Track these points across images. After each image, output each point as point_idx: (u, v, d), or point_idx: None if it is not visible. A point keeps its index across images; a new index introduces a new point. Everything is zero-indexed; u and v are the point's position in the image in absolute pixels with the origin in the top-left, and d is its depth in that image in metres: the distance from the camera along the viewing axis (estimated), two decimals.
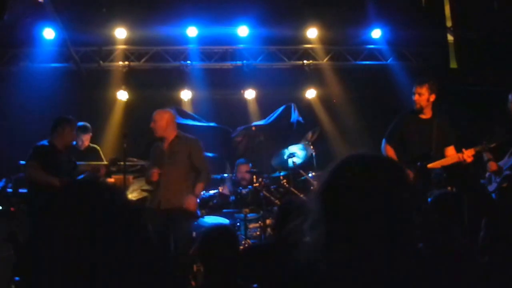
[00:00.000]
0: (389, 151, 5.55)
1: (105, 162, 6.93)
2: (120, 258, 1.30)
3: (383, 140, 5.64)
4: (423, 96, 5.41)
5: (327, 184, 1.41)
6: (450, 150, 5.45)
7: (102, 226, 1.30)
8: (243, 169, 7.22)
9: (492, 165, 5.72)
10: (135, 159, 6.67)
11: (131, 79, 8.55)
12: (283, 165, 7.05)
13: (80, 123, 6.72)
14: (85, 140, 6.73)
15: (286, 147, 6.99)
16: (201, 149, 5.84)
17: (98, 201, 1.35)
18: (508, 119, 5.73)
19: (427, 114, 5.51)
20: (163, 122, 5.69)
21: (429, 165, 5.33)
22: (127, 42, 8.47)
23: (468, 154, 5.23)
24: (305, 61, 8.73)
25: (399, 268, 1.33)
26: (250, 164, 7.38)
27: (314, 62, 8.74)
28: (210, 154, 6.79)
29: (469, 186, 5.58)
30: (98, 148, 6.88)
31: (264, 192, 6.70)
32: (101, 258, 1.27)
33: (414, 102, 5.46)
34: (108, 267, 1.27)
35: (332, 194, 1.39)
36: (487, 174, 5.89)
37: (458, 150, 5.39)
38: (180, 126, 8.13)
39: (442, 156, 5.44)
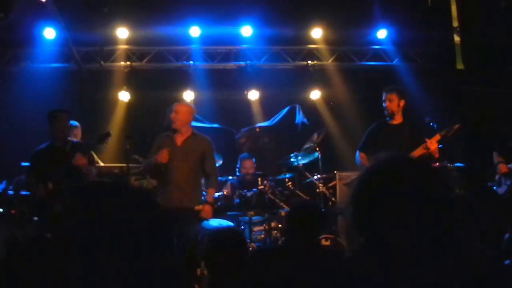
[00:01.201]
0: (362, 159, 5.69)
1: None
2: (145, 263, 1.23)
3: (357, 151, 5.78)
4: (394, 102, 5.59)
5: (358, 188, 1.42)
6: None
7: (132, 229, 1.24)
8: (247, 164, 7.12)
9: (502, 167, 5.74)
10: (140, 158, 6.49)
11: (133, 79, 8.45)
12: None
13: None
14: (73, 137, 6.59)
15: (292, 149, 6.90)
16: (214, 152, 5.75)
17: (130, 202, 1.29)
18: None
19: (397, 120, 5.64)
20: (185, 116, 5.56)
21: None
22: (129, 42, 8.38)
23: (431, 142, 5.28)
24: (309, 62, 8.63)
25: (440, 270, 1.32)
26: (254, 160, 7.26)
27: (319, 62, 8.66)
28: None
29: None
30: None
31: (269, 195, 6.61)
32: (125, 263, 1.21)
33: (385, 109, 5.64)
34: (131, 272, 1.21)
35: (364, 198, 1.40)
36: (496, 177, 5.85)
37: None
38: None
39: None
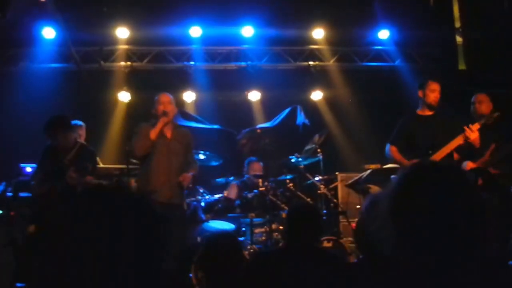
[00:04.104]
0: (394, 152, 5.45)
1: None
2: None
3: (387, 144, 5.54)
4: (439, 92, 5.30)
5: (398, 190, 1.48)
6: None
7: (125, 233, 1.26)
8: (255, 166, 7.06)
9: None
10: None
11: (133, 80, 8.39)
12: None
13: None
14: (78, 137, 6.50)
15: (293, 150, 6.85)
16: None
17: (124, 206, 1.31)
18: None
19: (431, 110, 5.38)
20: (174, 105, 5.32)
21: (434, 157, 5.11)
22: (129, 42, 8.34)
23: (472, 129, 5.01)
24: (311, 62, 8.61)
25: (468, 271, 1.38)
26: (261, 163, 7.20)
27: (320, 63, 8.63)
28: (215, 163, 6.60)
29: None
30: None
31: (270, 196, 6.55)
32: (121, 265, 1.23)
33: (432, 98, 5.28)
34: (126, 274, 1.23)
35: (403, 198, 1.46)
36: None
37: None
38: None
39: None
